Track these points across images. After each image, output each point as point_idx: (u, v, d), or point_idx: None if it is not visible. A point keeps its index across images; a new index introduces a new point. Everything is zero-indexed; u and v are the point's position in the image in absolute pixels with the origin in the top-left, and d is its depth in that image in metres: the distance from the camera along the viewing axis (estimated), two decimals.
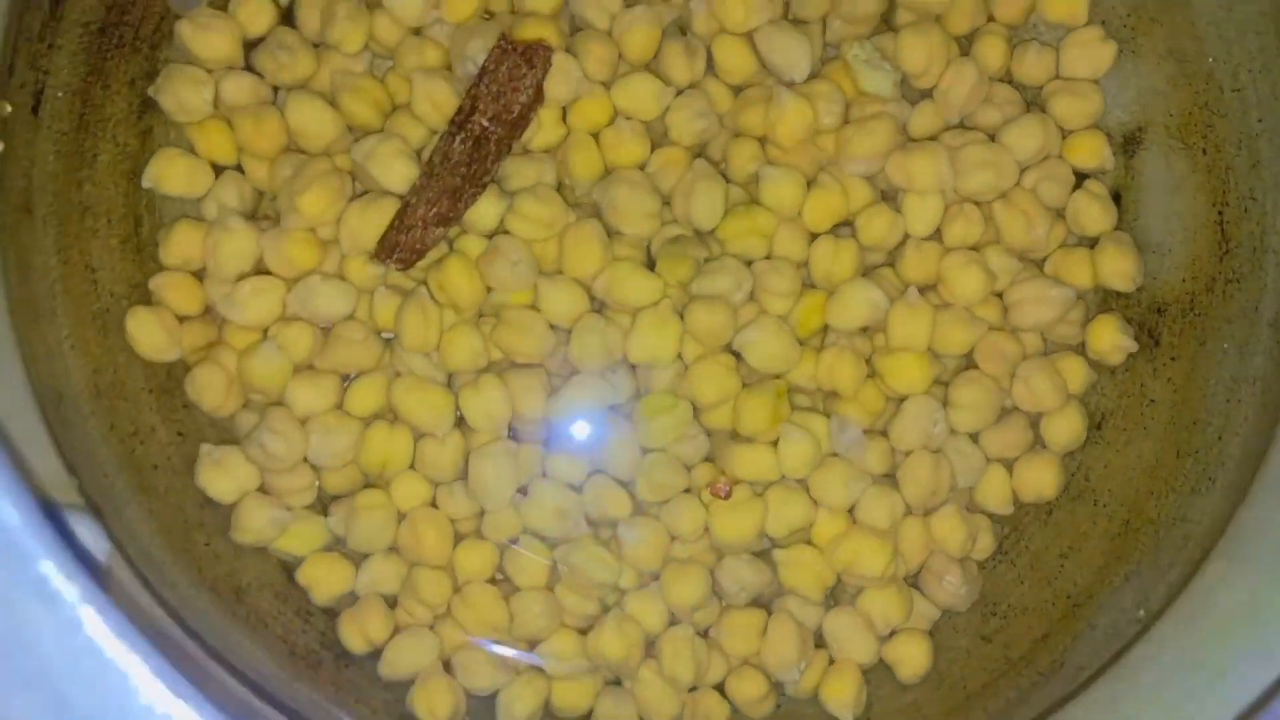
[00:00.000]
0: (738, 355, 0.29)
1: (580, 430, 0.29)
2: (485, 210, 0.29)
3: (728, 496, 0.28)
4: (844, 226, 0.30)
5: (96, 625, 0.17)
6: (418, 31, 0.30)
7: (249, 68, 0.30)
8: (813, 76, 0.30)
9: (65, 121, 0.27)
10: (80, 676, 0.17)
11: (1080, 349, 0.31)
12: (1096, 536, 0.30)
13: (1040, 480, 0.30)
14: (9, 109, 0.25)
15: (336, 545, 0.29)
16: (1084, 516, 0.30)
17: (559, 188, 0.30)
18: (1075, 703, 0.26)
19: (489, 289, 0.29)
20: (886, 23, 0.31)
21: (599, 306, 0.29)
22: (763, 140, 0.30)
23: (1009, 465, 0.30)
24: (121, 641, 0.17)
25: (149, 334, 0.29)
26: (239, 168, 0.30)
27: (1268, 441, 0.26)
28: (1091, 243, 0.31)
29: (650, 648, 0.29)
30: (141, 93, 0.29)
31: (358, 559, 0.29)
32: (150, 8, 0.28)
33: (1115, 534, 0.30)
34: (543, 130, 0.30)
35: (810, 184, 0.30)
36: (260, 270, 0.29)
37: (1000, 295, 0.30)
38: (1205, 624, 0.24)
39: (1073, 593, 0.29)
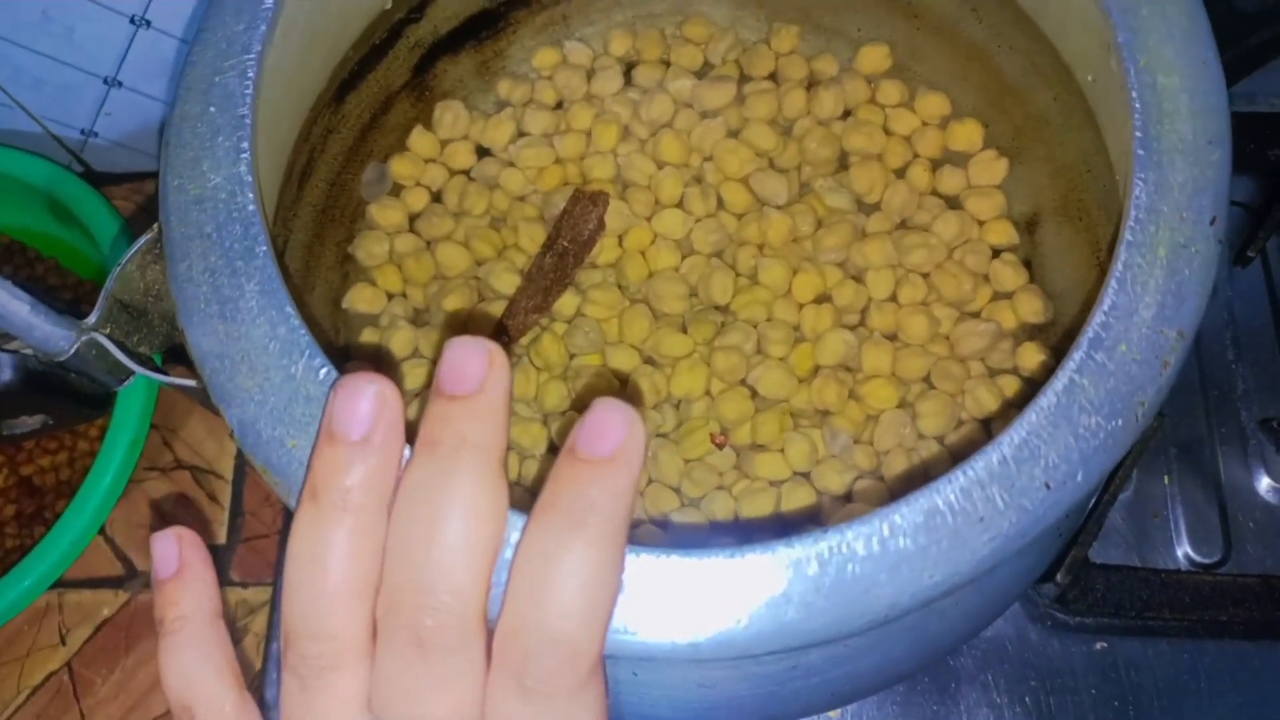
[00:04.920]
0: (752, 389, 0.40)
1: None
2: (567, 303, 0.42)
3: (722, 446, 0.38)
4: (824, 300, 0.42)
5: None
6: (521, 199, 0.44)
7: (412, 230, 0.44)
8: (792, 202, 0.43)
9: (298, 264, 0.42)
10: None
11: (1015, 370, 0.40)
12: None
13: None
14: None
15: None
16: None
17: (618, 286, 0.43)
18: None
19: (571, 355, 0.41)
20: (841, 164, 0.44)
21: (649, 360, 0.41)
22: (760, 246, 0.42)
23: None
24: None
25: None
26: (404, 294, 0.44)
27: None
28: (1011, 296, 0.41)
29: None
30: (343, 249, 0.44)
31: None
32: (351, 197, 0.44)
33: None
34: (605, 251, 0.43)
35: (796, 271, 0.42)
36: (417, 355, 0.42)
37: (947, 336, 0.41)
38: None
39: None
